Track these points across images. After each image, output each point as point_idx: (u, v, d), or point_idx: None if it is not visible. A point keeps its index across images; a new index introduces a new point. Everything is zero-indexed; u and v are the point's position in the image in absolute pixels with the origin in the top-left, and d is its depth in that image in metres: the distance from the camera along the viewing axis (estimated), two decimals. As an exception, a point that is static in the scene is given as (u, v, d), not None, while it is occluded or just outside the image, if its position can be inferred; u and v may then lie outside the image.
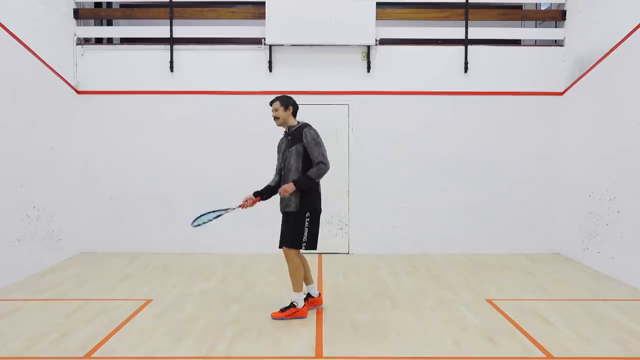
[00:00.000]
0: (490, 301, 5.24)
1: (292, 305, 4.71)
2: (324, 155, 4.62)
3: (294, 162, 4.65)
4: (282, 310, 4.70)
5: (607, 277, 6.23)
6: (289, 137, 4.77)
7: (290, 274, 4.71)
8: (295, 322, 4.61)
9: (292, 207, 4.65)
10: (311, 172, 4.58)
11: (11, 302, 5.14)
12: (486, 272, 6.49)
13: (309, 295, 4.90)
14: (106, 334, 4.30)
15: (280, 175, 4.79)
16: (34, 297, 5.36)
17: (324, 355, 3.91)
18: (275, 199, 4.90)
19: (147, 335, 4.27)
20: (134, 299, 5.30)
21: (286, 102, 4.78)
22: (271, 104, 4.83)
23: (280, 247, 4.80)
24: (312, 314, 4.81)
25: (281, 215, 4.84)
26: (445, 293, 5.55)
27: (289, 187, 4.57)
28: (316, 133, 4.70)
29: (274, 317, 4.67)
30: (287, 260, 4.70)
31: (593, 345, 4.10)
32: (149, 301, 5.20)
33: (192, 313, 4.85)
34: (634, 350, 4.00)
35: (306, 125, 4.77)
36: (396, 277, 6.21)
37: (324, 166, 4.60)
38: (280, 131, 5.00)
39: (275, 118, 4.79)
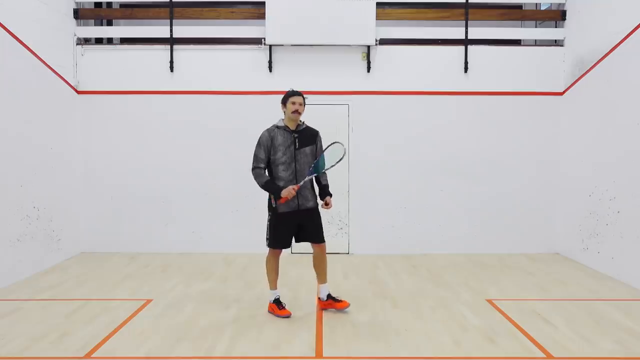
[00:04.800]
0: (490, 301, 5.24)
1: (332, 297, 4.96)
2: None
3: (309, 163, 4.71)
4: (340, 301, 4.91)
5: (607, 277, 6.23)
6: (296, 135, 4.70)
7: (325, 266, 4.88)
8: (295, 322, 4.61)
9: (312, 203, 4.78)
10: (326, 181, 4.90)
11: (11, 302, 5.15)
12: (486, 272, 6.49)
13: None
14: (106, 334, 4.30)
15: (293, 171, 4.64)
16: (34, 297, 5.36)
17: (324, 355, 3.91)
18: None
19: (147, 335, 4.27)
20: (134, 299, 5.30)
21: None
22: (297, 94, 4.68)
23: (319, 242, 4.82)
24: (312, 314, 4.83)
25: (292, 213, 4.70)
26: (445, 293, 5.55)
27: (330, 200, 4.81)
28: None
29: (346, 307, 4.86)
30: (324, 253, 4.86)
31: (593, 345, 4.10)
32: (149, 301, 5.20)
33: (192, 313, 4.85)
34: (634, 350, 4.01)
35: (316, 130, 4.92)
36: (396, 277, 6.21)
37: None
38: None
39: (299, 113, 4.69)
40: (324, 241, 4.85)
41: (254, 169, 4.66)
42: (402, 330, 4.41)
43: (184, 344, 4.11)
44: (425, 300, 5.29)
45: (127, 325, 4.52)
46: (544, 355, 3.91)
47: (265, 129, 4.76)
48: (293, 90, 4.74)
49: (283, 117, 4.81)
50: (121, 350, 3.99)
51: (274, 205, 4.67)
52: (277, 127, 4.75)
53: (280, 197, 4.53)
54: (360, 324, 4.56)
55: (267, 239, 4.78)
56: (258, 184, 4.63)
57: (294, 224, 4.74)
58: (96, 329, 4.40)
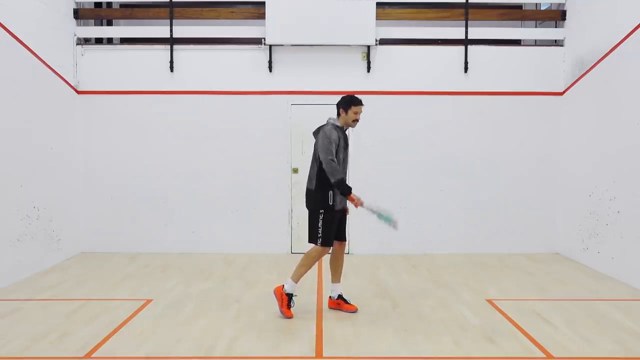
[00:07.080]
0: (490, 301, 5.24)
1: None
2: None
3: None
4: (350, 303, 4.96)
5: (607, 277, 6.23)
6: (343, 136, 4.81)
7: (343, 265, 5.02)
8: (295, 322, 4.61)
9: (346, 203, 4.94)
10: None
11: (11, 302, 5.14)
12: (486, 272, 6.49)
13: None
14: (106, 334, 4.30)
15: (343, 170, 4.77)
16: (34, 297, 5.36)
17: (324, 355, 3.91)
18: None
19: (147, 335, 4.27)
20: (134, 299, 5.30)
21: None
22: (361, 104, 4.81)
23: (344, 239, 5.01)
24: (312, 314, 4.82)
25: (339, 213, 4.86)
26: (445, 293, 5.55)
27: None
28: None
29: (353, 310, 4.88)
30: (344, 251, 5.03)
31: (593, 345, 4.10)
32: (149, 301, 5.20)
33: (192, 313, 4.85)
34: (634, 350, 4.01)
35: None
36: (396, 277, 6.21)
37: None
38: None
39: (358, 121, 4.84)
40: (346, 239, 5.04)
41: (331, 161, 4.57)
42: (402, 330, 4.41)
43: (184, 344, 4.11)
44: (425, 300, 5.29)
45: (127, 325, 4.52)
46: (544, 355, 3.91)
47: (328, 126, 4.72)
48: (358, 99, 4.78)
49: (336, 117, 4.84)
50: (121, 350, 3.99)
51: (331, 203, 4.69)
52: (337, 126, 4.78)
53: (349, 195, 4.63)
54: (360, 324, 4.56)
55: (319, 237, 4.69)
56: (332, 177, 4.57)
57: (337, 221, 4.85)
58: (96, 329, 4.40)
